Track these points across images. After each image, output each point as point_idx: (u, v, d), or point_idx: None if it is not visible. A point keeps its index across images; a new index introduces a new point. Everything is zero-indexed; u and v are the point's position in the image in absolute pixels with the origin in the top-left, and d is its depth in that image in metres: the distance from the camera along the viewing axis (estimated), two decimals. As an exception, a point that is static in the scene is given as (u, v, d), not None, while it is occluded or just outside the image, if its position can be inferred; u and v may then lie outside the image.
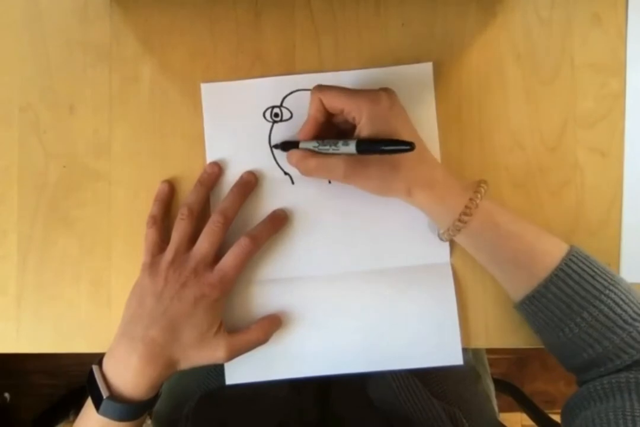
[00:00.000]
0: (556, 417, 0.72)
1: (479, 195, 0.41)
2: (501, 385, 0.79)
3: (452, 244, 0.48)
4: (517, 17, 0.48)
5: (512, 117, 0.48)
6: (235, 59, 0.49)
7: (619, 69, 0.48)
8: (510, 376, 1.26)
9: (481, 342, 0.48)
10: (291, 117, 0.48)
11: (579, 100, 0.48)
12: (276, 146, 0.48)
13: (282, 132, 0.48)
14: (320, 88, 0.42)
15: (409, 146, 0.37)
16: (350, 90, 0.42)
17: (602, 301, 0.39)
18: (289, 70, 0.48)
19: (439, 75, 0.48)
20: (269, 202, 0.48)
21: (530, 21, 0.48)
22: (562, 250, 0.41)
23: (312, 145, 0.43)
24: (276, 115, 0.48)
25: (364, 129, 0.41)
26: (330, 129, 0.45)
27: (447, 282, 0.47)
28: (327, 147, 0.42)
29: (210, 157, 0.48)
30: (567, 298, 0.40)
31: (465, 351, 0.47)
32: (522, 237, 0.41)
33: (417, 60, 0.48)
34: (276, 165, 0.48)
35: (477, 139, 0.48)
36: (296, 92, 0.48)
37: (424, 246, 0.47)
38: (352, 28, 0.48)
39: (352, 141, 0.40)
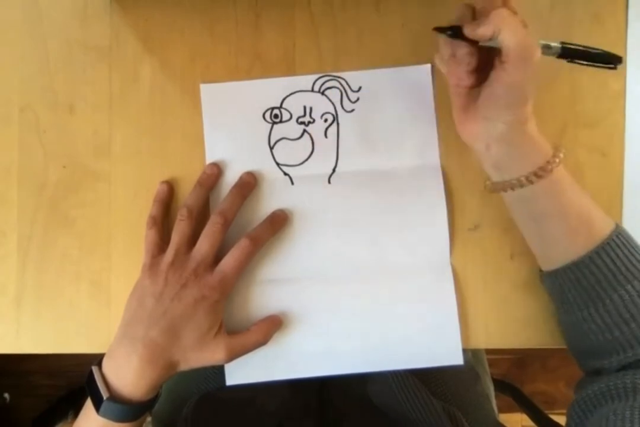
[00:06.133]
0: (556, 418, 0.72)
1: (560, 155, 0.40)
2: (501, 385, 0.79)
3: (452, 244, 0.48)
4: (517, 17, 0.48)
5: (512, 118, 0.48)
6: (235, 60, 0.49)
7: (619, 69, 0.48)
8: (510, 376, 1.25)
9: (481, 342, 0.48)
10: (290, 118, 0.48)
11: (579, 100, 0.48)
12: (440, 29, 0.39)
13: (281, 134, 0.48)
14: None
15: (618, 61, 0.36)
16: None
17: None
18: (289, 70, 0.48)
19: (439, 76, 0.47)
20: (268, 203, 0.48)
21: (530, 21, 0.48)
22: (611, 223, 0.42)
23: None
24: (276, 116, 0.48)
25: None
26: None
27: (447, 282, 0.47)
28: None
29: (209, 158, 0.48)
30: (615, 268, 0.40)
31: (465, 351, 0.47)
32: (580, 203, 0.41)
33: (417, 60, 0.48)
34: (276, 166, 0.48)
35: (477, 140, 0.48)
36: (296, 93, 0.48)
37: (424, 247, 0.47)
38: (352, 29, 0.48)
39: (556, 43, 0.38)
